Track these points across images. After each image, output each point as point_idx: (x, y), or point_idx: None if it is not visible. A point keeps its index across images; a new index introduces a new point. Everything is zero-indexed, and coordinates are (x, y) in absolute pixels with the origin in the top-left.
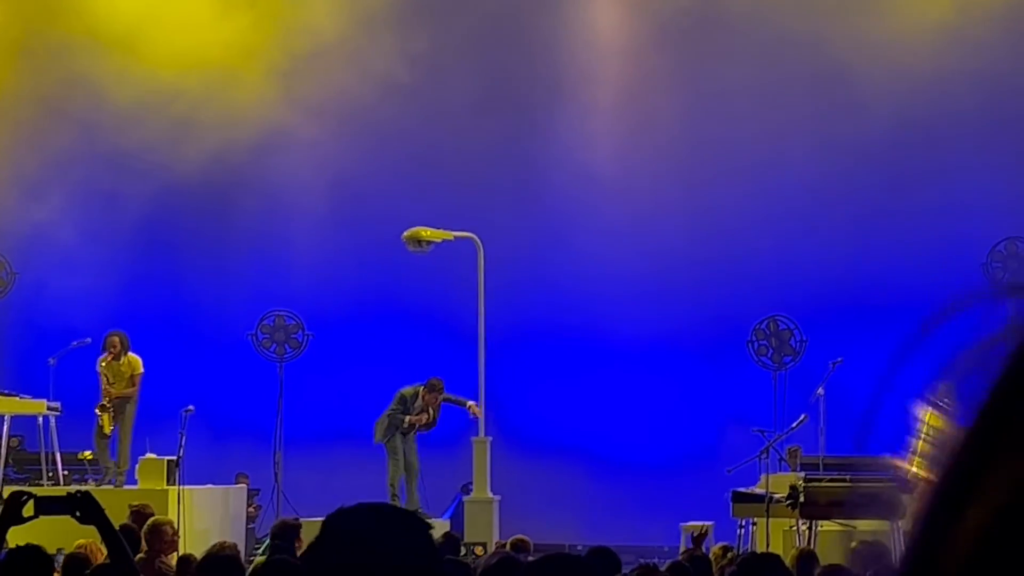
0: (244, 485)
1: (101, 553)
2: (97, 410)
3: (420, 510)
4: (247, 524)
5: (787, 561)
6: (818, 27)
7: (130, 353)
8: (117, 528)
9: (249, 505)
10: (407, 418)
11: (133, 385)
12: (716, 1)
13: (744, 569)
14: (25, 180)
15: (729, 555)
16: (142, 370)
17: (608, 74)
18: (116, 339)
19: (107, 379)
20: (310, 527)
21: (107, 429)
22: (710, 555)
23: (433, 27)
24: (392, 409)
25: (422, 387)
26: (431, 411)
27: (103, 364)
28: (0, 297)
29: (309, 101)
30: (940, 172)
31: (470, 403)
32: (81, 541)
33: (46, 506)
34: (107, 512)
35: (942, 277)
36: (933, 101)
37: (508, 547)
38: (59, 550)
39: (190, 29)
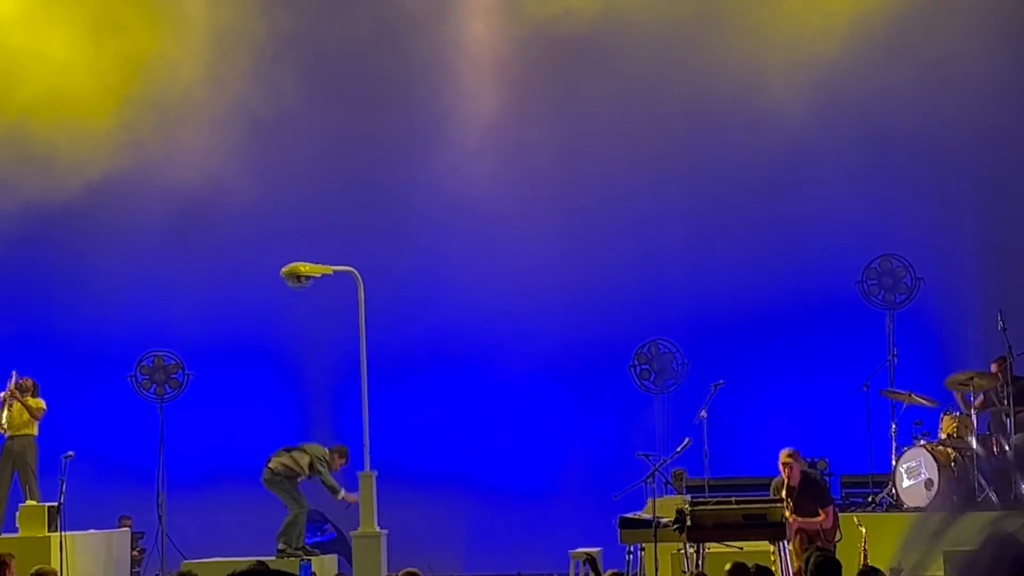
0: (128, 529)
1: None
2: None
3: (306, 547)
4: (132, 568)
5: None
6: (693, 55)
7: (39, 398)
8: None
9: (133, 549)
10: (342, 493)
11: (33, 424)
12: (592, 28)
13: None
14: None
15: None
16: (43, 415)
17: (481, 101)
18: (30, 382)
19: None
20: (202, 569)
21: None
22: None
23: (299, 61)
24: (321, 471)
25: (332, 452)
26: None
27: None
28: None
29: (176, 140)
30: (813, 195)
31: (342, 493)
32: None
33: None
34: None
35: (818, 297)
36: (805, 126)
37: None
38: None
39: (49, 72)
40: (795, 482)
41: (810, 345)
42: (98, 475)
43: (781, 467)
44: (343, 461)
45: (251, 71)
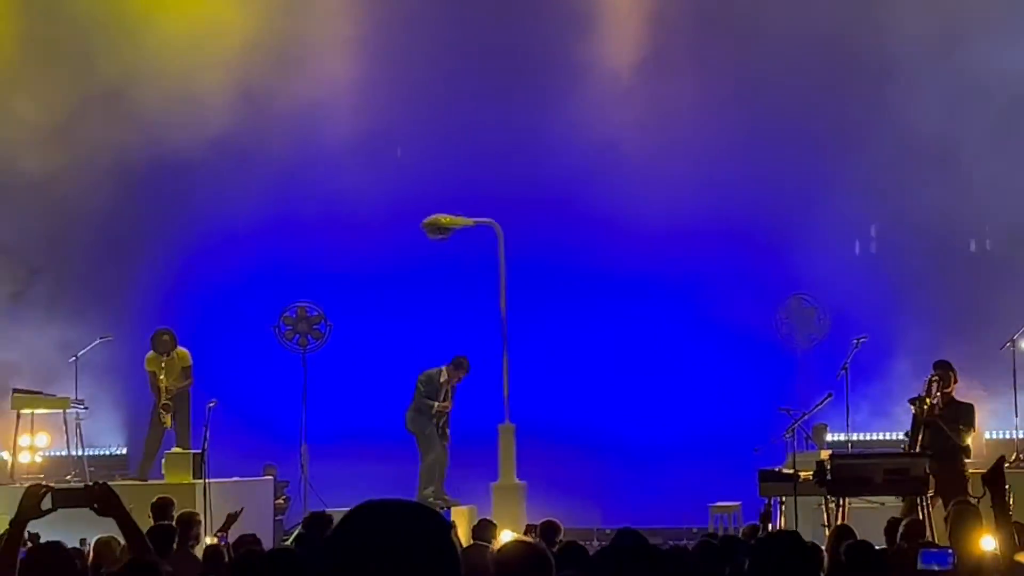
0: (271, 477)
1: (119, 546)
2: (161, 410)
3: (447, 496)
4: (275, 516)
5: (826, 539)
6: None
7: (179, 347)
8: (146, 530)
9: (278, 497)
10: (436, 405)
11: (187, 377)
12: None
13: (762, 547)
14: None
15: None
16: (191, 361)
17: (626, 47)
18: (166, 337)
19: (159, 376)
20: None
21: (168, 424)
22: (740, 535)
23: (443, 8)
24: (419, 393)
25: (446, 367)
26: (448, 393)
27: (155, 362)
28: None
29: (306, 95)
30: (965, 155)
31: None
32: (101, 536)
33: (64, 499)
34: (134, 504)
35: (964, 253)
36: None
37: (538, 530)
38: (83, 540)
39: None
40: (938, 401)
41: (954, 301)
42: (243, 423)
43: (928, 383)
44: (461, 372)
45: (395, 22)
